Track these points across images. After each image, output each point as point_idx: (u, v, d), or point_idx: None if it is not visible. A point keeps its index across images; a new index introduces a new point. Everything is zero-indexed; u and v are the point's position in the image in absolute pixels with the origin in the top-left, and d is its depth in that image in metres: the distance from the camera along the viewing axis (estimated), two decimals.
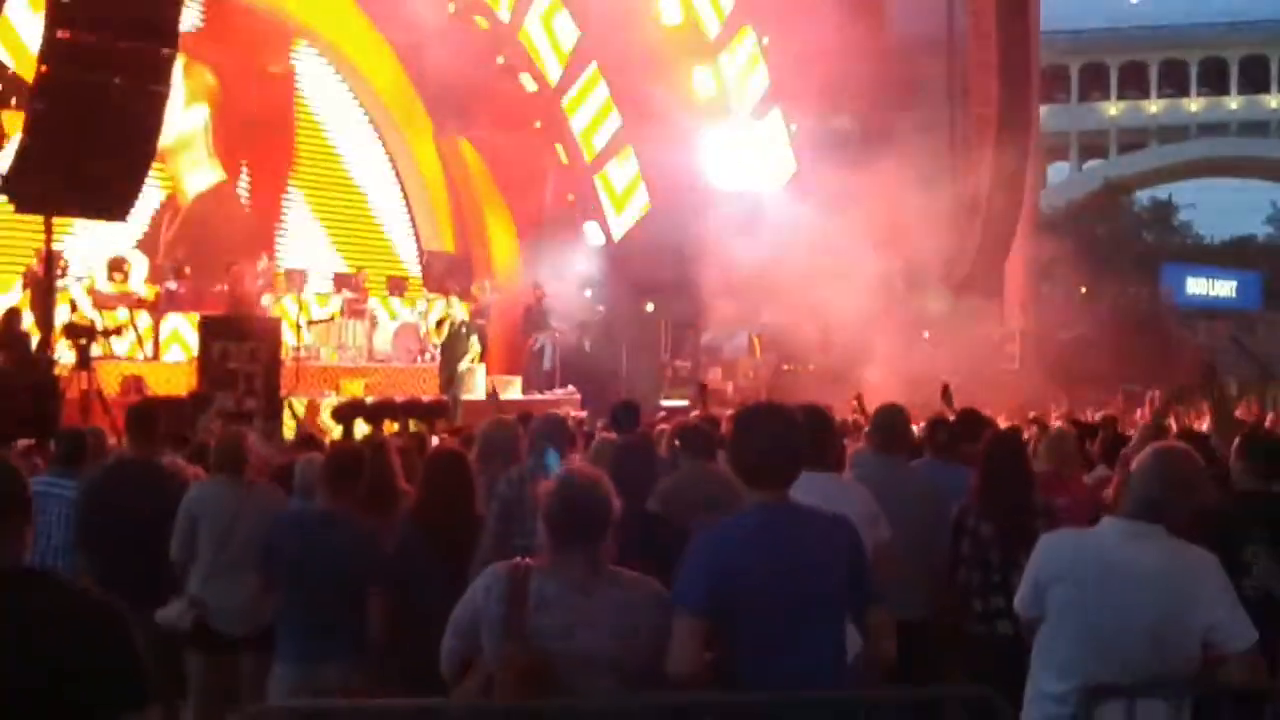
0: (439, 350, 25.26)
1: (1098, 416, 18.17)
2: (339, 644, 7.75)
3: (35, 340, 18.70)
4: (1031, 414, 19.25)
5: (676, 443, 9.67)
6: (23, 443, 13.94)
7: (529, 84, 29.40)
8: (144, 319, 23.10)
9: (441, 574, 7.32)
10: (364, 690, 7.49)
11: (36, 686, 3.61)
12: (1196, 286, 49.24)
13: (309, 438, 14.51)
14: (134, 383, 21.10)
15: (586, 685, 5.01)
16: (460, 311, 25.52)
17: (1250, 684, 5.56)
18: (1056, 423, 16.45)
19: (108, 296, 22.47)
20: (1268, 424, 16.10)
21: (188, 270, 24.21)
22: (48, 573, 4.14)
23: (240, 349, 19.78)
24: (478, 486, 8.39)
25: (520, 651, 4.98)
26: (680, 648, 5.16)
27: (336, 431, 19.30)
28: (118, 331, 21.96)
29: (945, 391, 15.30)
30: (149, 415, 10.28)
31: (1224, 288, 50.26)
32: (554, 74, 29.27)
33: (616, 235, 30.08)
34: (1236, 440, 8.17)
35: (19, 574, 3.88)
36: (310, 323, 24.99)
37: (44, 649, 3.65)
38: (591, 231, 30.35)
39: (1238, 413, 18.05)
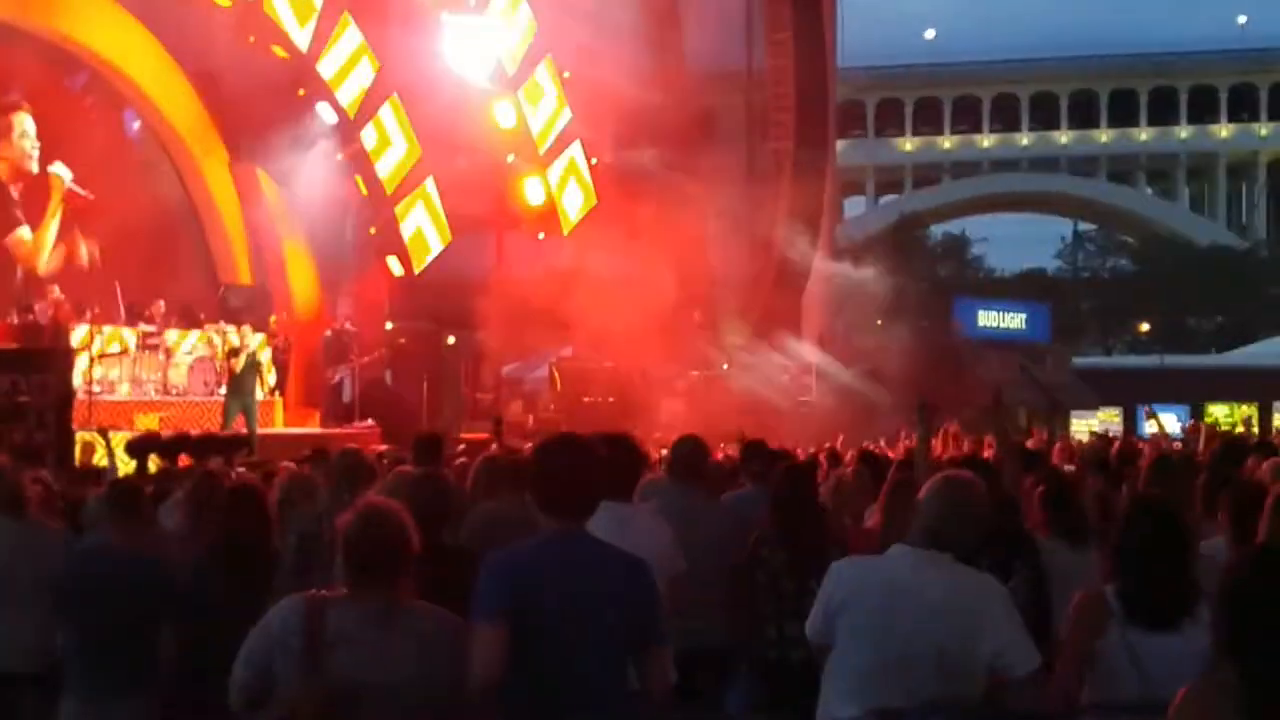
0: (229, 383, 25.09)
1: (897, 449, 18.48)
2: (130, 679, 7.65)
3: None
4: (826, 445, 19.54)
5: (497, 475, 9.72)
6: None
7: (329, 115, 29.24)
8: None
9: (237, 607, 7.07)
10: None
11: None
12: (988, 319, 49.98)
13: (91, 472, 14.33)
14: None
15: (385, 717, 5.02)
16: (253, 343, 25.34)
17: (1034, 707, 5.72)
18: (847, 451, 16.79)
19: None
20: (1055, 452, 16.49)
21: None
22: None
23: (30, 382, 19.44)
24: (274, 522, 8.36)
25: (318, 684, 4.97)
26: (480, 655, 5.19)
27: (130, 466, 19.04)
28: None
29: (742, 438, 15.48)
30: None
31: (1014, 320, 51.07)
32: (353, 107, 29.14)
33: (417, 268, 30.04)
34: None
35: None
36: (102, 356, 24.57)
37: None
38: (391, 264, 30.29)
39: (1029, 443, 18.53)
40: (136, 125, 28.67)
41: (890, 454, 16.39)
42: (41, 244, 25.00)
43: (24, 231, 24.54)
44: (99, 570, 7.96)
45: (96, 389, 23.45)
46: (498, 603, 5.33)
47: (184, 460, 18.61)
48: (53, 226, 24.86)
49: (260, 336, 26.34)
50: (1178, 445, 23.40)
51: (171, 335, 26.36)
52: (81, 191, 25.11)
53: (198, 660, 7.35)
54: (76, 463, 18.58)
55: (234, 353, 25.18)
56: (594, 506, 5.77)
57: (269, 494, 8.83)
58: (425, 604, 5.31)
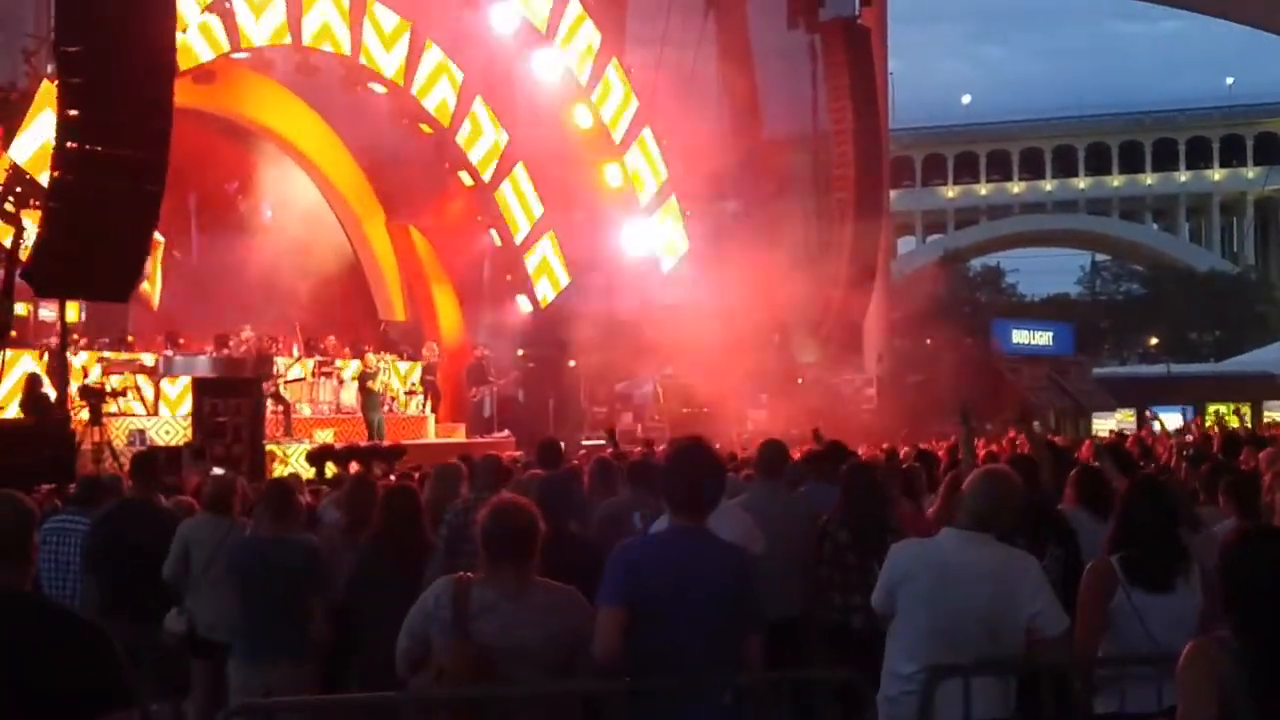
0: (362, 400, 25.38)
1: (942, 446, 18.25)
2: (284, 647, 7.73)
3: (54, 400, 18.53)
4: (885, 445, 19.32)
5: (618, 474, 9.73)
6: (45, 487, 13.81)
7: (466, 180, 29.41)
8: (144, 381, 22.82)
9: (397, 586, 7.18)
10: (310, 688, 7.46)
11: (27, 693, 3.70)
12: (1020, 337, 49.37)
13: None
14: (138, 435, 20.85)
15: (518, 674, 5.09)
16: (382, 368, 25.70)
17: (1063, 663, 5.72)
18: (904, 449, 16.57)
19: (114, 363, 22.19)
20: (1083, 452, 16.20)
21: (181, 340, 24.00)
22: (36, 597, 4.20)
23: (228, 405, 19.61)
24: (426, 515, 8.32)
25: (465, 647, 5.07)
26: (602, 635, 5.14)
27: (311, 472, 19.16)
28: (123, 393, 21.70)
29: (816, 434, 15.39)
30: (148, 463, 10.32)
31: (1043, 338, 50.42)
32: (487, 173, 29.29)
33: (543, 304, 30.12)
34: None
35: (13, 600, 3.95)
36: (287, 382, 24.78)
37: (31, 662, 3.74)
38: (522, 301, 30.38)
39: (1057, 440, 18.25)
40: (270, 214, 28.74)
41: (940, 453, 16.17)
42: (153, 291, 24.90)
43: (145, 285, 24.45)
44: (259, 555, 8.06)
45: (281, 408, 23.62)
46: (619, 591, 5.24)
47: (354, 467, 18.73)
48: (158, 277, 24.78)
49: (416, 364, 26.56)
50: (1189, 439, 23.01)
51: (341, 364, 26.55)
52: (175, 253, 25.23)
53: (357, 633, 7.46)
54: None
55: (370, 376, 25.36)
56: (715, 506, 5.61)
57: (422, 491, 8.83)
58: (549, 581, 5.32)
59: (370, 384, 25.31)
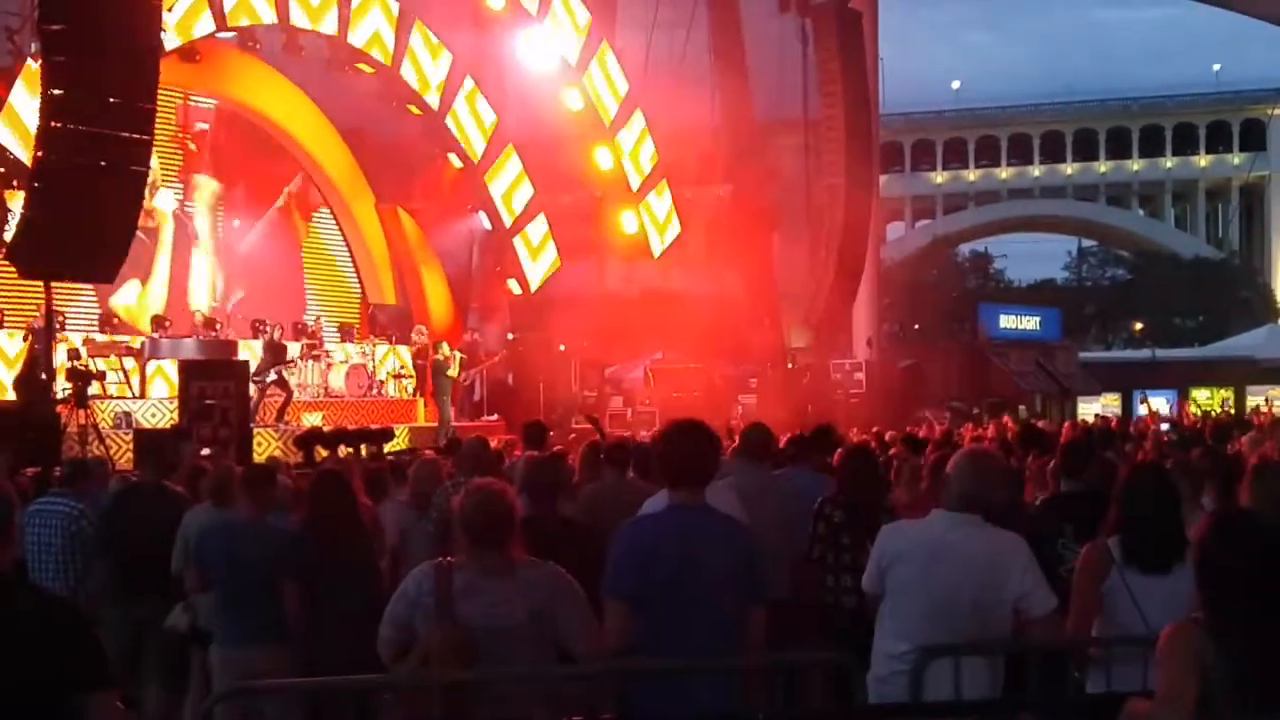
0: (435, 386, 25.44)
1: (936, 432, 18.17)
2: (264, 630, 7.71)
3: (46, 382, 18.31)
4: (874, 429, 19.20)
5: (601, 457, 9.71)
6: (30, 470, 13.61)
7: (456, 162, 29.14)
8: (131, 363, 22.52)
9: (331, 572, 7.46)
10: (290, 672, 7.42)
11: (7, 672, 3.66)
12: (1007, 322, 49.38)
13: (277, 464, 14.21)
14: (124, 418, 20.58)
15: (504, 653, 5.08)
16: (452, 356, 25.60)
17: (1051, 643, 5.78)
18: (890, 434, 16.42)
19: (101, 345, 21.90)
20: (1064, 433, 16.14)
21: (168, 323, 23.68)
22: (15, 579, 4.17)
23: (215, 387, 19.37)
24: (358, 503, 8.28)
25: (450, 629, 5.07)
26: (611, 627, 5.27)
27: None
28: (103, 375, 21.40)
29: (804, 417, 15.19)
30: (158, 447, 10.35)
31: (1030, 323, 50.44)
32: (477, 153, 29.00)
33: (533, 287, 29.87)
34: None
35: None
36: (287, 364, 24.44)
37: (11, 642, 3.69)
38: (512, 285, 30.13)
39: (1040, 424, 18.14)
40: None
41: (928, 436, 16.08)
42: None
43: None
44: (231, 538, 8.10)
45: (269, 392, 23.30)
46: (622, 582, 5.37)
47: (343, 450, 18.48)
48: None
49: (407, 348, 26.26)
50: (1164, 425, 22.98)
51: (330, 347, 26.29)
52: None
53: (316, 619, 7.50)
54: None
55: (445, 365, 25.26)
56: (709, 479, 5.72)
57: (357, 480, 8.91)
58: (530, 559, 5.31)
59: (449, 372, 25.13)
